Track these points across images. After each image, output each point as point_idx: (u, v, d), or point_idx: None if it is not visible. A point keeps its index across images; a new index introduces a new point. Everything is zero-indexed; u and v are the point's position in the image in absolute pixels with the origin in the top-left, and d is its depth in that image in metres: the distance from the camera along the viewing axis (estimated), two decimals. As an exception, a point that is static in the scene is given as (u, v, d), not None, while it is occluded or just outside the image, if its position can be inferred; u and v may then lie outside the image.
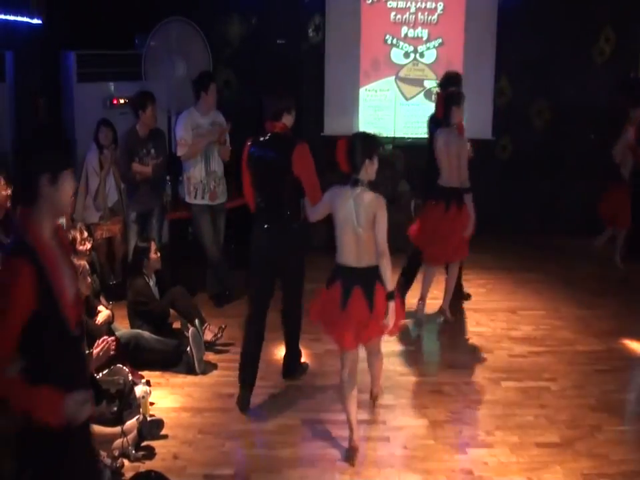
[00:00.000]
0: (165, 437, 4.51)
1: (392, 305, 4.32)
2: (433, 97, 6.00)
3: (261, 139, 5.06)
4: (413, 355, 6.17)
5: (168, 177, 7.46)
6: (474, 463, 4.55)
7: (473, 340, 6.48)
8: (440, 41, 9.44)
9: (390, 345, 6.32)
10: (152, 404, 4.79)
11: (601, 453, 4.70)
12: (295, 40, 9.20)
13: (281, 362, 5.61)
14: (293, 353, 5.53)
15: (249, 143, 5.12)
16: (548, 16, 9.42)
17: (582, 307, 7.33)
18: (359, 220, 4.27)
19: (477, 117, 9.54)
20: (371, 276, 4.32)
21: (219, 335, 5.94)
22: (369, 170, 4.30)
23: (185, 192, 6.91)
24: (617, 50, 9.96)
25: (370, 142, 4.36)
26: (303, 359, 5.67)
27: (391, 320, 4.32)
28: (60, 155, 2.77)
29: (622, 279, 7.86)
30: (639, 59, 10.53)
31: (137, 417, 4.32)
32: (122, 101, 7.97)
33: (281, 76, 8.76)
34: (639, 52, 10.49)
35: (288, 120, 5.04)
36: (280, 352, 5.77)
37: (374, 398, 5.18)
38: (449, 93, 6.34)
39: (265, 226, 5.03)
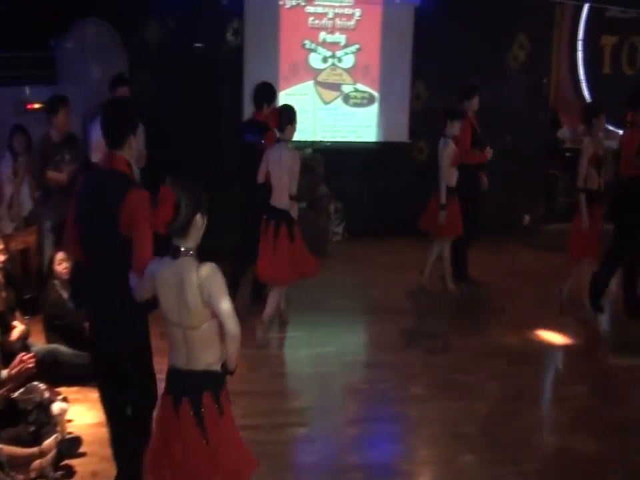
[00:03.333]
0: (84, 454, 4.45)
1: None
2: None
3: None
4: (330, 355, 6.25)
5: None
6: (393, 457, 4.72)
7: (392, 338, 6.64)
8: (357, 46, 9.57)
9: (307, 347, 6.44)
10: (70, 421, 4.73)
11: (517, 439, 4.94)
12: (214, 44, 9.11)
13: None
14: None
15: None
16: (464, 23, 9.66)
17: (496, 300, 7.64)
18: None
19: (394, 121, 9.77)
20: None
21: None
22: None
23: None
24: (530, 56, 10.34)
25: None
26: None
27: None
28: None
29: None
30: (551, 65, 10.98)
31: (54, 435, 4.27)
32: (36, 106, 7.79)
33: (199, 80, 8.74)
34: (551, 58, 10.93)
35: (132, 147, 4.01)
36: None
37: None
38: (286, 109, 6.36)
39: None
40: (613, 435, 5.09)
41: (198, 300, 3.19)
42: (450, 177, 7.40)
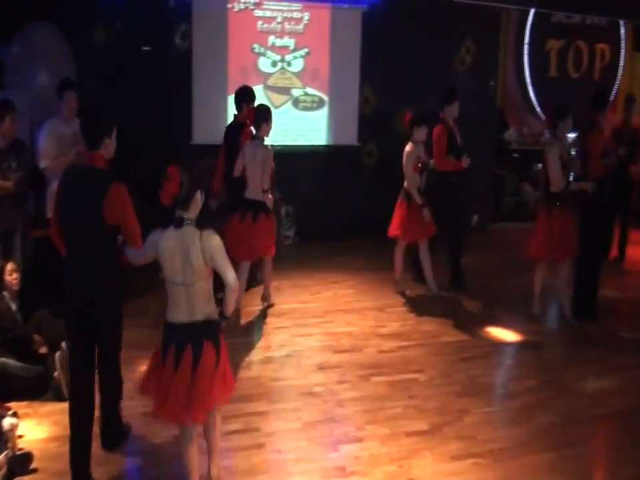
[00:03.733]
0: (35, 470, 4.39)
1: None
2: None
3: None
4: (283, 359, 6.30)
5: (31, 192, 7.20)
6: (346, 459, 4.74)
7: (343, 340, 6.73)
8: (307, 50, 9.65)
9: (260, 352, 6.44)
10: (20, 437, 4.67)
11: (469, 435, 5.07)
12: (162, 47, 9.01)
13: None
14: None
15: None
16: (412, 27, 9.84)
17: (446, 299, 7.80)
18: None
19: (343, 124, 9.85)
20: None
21: None
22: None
23: (49, 207, 6.69)
24: (477, 60, 10.59)
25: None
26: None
27: None
28: None
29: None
30: (498, 68, 11.20)
31: (5, 452, 4.22)
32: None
33: (147, 84, 8.64)
34: (497, 62, 11.15)
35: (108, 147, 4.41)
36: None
37: None
38: (261, 109, 6.93)
39: None
40: (563, 427, 5.28)
41: (201, 261, 3.83)
42: (414, 181, 7.45)
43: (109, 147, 4.33)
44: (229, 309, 4.01)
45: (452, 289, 8.07)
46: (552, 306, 7.53)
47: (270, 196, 6.87)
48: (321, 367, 6.15)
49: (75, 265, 4.29)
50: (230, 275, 3.88)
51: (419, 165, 7.47)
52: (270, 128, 6.89)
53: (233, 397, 5.39)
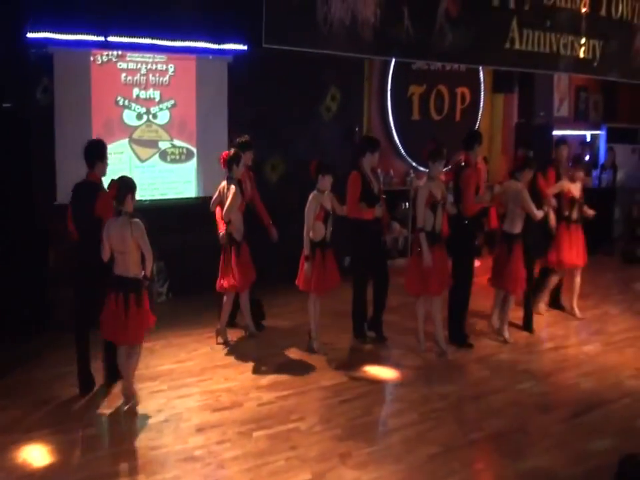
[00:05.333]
0: None
1: None
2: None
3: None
4: (160, 425, 6.12)
5: None
6: None
7: (223, 396, 6.65)
8: (173, 102, 9.55)
9: (136, 420, 6.22)
10: None
11: (352, 479, 5.14)
12: (23, 103, 8.55)
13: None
14: None
15: None
16: (278, 77, 10.01)
17: (320, 345, 7.81)
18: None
19: (213, 175, 9.72)
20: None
21: None
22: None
23: None
24: (342, 107, 10.96)
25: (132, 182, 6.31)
26: None
27: None
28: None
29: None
30: (363, 114, 11.54)
31: None
32: None
33: (9, 141, 8.28)
34: (362, 108, 11.51)
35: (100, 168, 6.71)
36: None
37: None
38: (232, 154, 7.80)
39: None
40: (443, 456, 5.50)
41: (130, 239, 6.02)
42: (315, 230, 7.42)
43: (101, 168, 6.66)
44: (148, 271, 6.21)
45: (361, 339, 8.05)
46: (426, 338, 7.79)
47: (231, 226, 7.74)
48: (201, 428, 6.04)
49: (81, 242, 6.59)
50: (147, 250, 6.11)
51: (323, 214, 7.43)
52: (241, 171, 7.83)
53: (110, 474, 5.30)
